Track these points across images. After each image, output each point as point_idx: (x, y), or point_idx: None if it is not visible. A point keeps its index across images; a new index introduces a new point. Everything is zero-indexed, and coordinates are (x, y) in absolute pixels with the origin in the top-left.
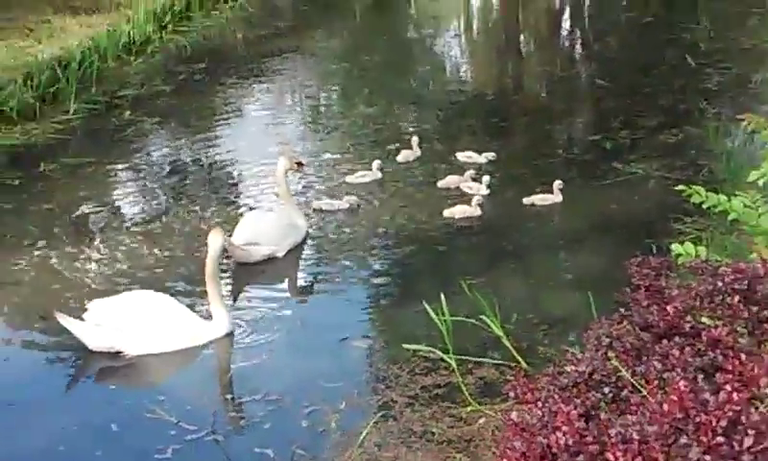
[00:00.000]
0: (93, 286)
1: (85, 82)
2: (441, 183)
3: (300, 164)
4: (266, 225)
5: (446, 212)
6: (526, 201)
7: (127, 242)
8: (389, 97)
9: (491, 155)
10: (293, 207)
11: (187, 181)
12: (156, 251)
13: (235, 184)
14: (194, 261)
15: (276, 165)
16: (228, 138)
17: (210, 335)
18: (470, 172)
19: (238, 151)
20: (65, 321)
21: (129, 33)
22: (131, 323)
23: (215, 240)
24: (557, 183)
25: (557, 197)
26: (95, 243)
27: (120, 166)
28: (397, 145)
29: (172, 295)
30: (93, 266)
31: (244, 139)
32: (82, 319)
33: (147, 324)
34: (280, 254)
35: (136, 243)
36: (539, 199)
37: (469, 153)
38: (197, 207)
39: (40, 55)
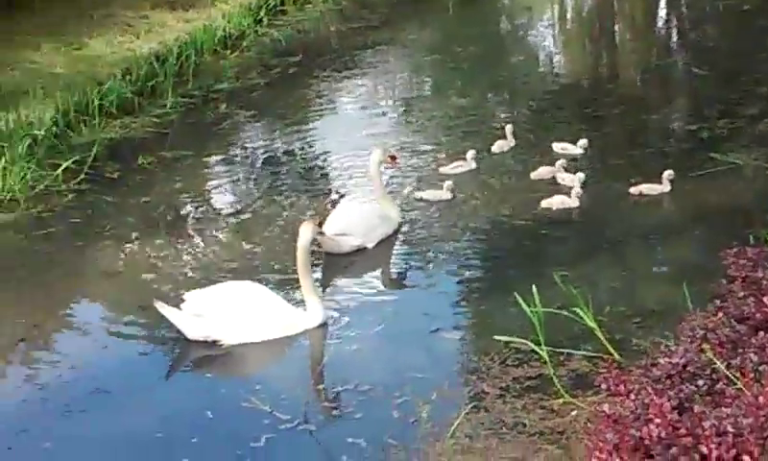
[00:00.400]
0: (189, 277)
1: (182, 76)
2: (533, 175)
3: (393, 158)
4: (357, 216)
5: (544, 203)
6: (633, 190)
7: (222, 234)
8: (482, 88)
9: (584, 142)
10: (386, 199)
11: (281, 174)
12: (250, 242)
13: (328, 176)
14: (287, 253)
15: (369, 157)
16: (321, 131)
17: (305, 325)
18: (562, 162)
19: (331, 143)
20: (164, 310)
21: (224, 27)
22: (227, 312)
23: (305, 232)
24: (667, 173)
25: (665, 187)
26: (191, 235)
27: (216, 159)
28: (491, 136)
29: (266, 286)
30: (189, 257)
31: (337, 132)
32: (179, 309)
33: (243, 313)
34: (370, 246)
35: (231, 234)
36: (646, 188)
37: (565, 144)
38: (291, 199)
39: (139, 50)
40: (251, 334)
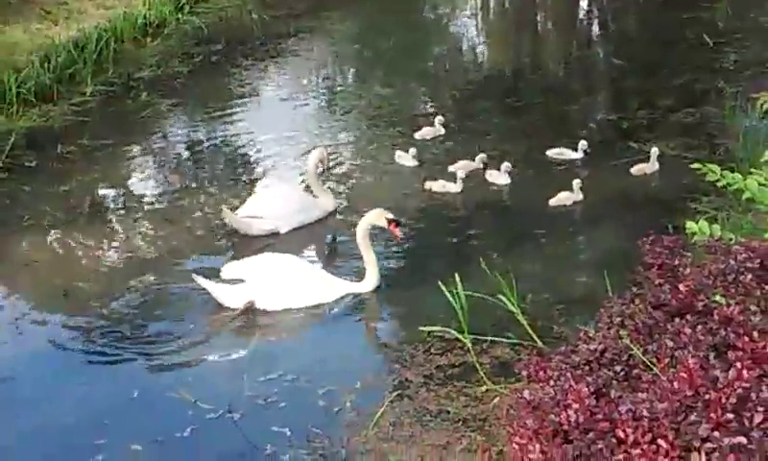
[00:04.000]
0: (108, 266)
1: (102, 63)
2: (452, 168)
3: (327, 168)
4: (271, 201)
5: (553, 201)
6: (553, 201)
7: (142, 223)
8: (405, 78)
9: (583, 144)
10: (319, 189)
11: (203, 163)
12: (170, 231)
13: (250, 165)
14: (208, 242)
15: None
16: (244, 120)
17: (356, 289)
18: (483, 156)
19: (254, 132)
20: (202, 281)
21: (145, 14)
22: (271, 280)
23: (371, 215)
24: (575, 182)
25: (577, 196)
26: (111, 224)
27: (137, 148)
28: (414, 125)
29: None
30: (109, 247)
31: (260, 121)
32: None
33: (288, 281)
34: (283, 231)
35: (152, 224)
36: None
37: (561, 149)
38: (213, 188)
39: (57, 37)
40: (301, 300)
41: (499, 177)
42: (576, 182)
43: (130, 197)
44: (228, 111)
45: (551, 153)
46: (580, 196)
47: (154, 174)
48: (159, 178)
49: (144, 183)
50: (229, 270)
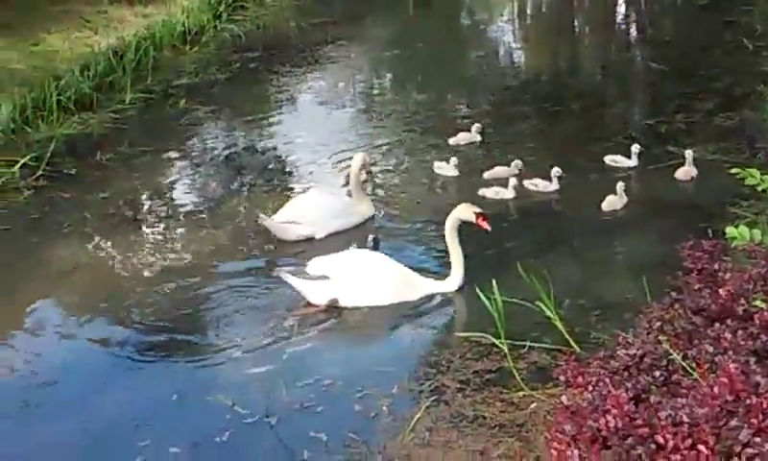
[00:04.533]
0: (148, 272)
1: (141, 71)
2: (487, 175)
3: (369, 173)
4: (307, 206)
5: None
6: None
7: (181, 230)
8: (441, 84)
9: (636, 148)
10: (359, 194)
11: (241, 169)
12: (209, 238)
13: (288, 172)
14: (246, 248)
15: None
16: (281, 126)
17: (440, 288)
18: (518, 162)
19: (291, 139)
20: (287, 277)
21: (183, 22)
22: (357, 277)
23: (460, 210)
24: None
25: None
26: (150, 231)
27: (175, 155)
28: (450, 130)
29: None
30: (148, 254)
31: (297, 127)
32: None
33: (374, 278)
34: (319, 236)
35: (190, 231)
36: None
37: (618, 156)
38: (250, 195)
39: (97, 45)
40: (384, 298)
41: (545, 183)
42: (620, 185)
43: (168, 203)
44: (266, 118)
45: (608, 159)
46: (625, 199)
47: (192, 180)
48: (198, 184)
49: (182, 190)
50: (315, 266)
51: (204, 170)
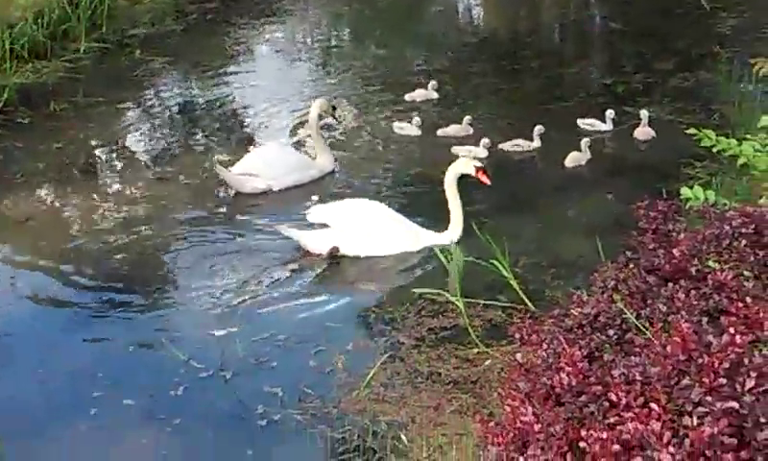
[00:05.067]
0: (103, 223)
1: (96, 20)
2: (440, 132)
3: (334, 109)
4: (264, 159)
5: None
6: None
7: (137, 180)
8: (401, 39)
9: (610, 113)
10: (320, 147)
11: (197, 121)
12: (163, 189)
13: (245, 124)
14: (200, 200)
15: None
16: (238, 78)
17: (442, 240)
18: (468, 118)
19: (248, 91)
20: (287, 231)
21: None
22: (359, 226)
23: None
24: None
25: (536, 143)
26: (104, 182)
27: (130, 105)
28: (408, 86)
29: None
30: (101, 204)
31: (254, 80)
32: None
33: (376, 227)
34: (275, 189)
35: (145, 182)
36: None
37: (591, 120)
38: (207, 147)
39: None
40: (384, 248)
41: (527, 142)
42: (585, 141)
43: (123, 154)
44: (223, 70)
45: (582, 122)
46: (588, 155)
47: (147, 132)
48: (153, 135)
49: (138, 141)
50: (315, 214)
51: (160, 121)
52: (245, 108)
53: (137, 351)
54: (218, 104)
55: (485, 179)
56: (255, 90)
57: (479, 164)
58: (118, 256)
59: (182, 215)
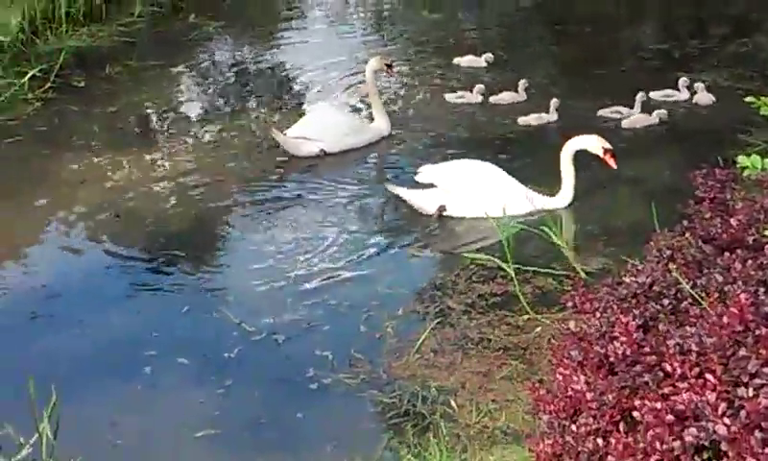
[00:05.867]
0: (158, 188)
1: None
2: (493, 99)
3: (389, 66)
4: (318, 123)
5: (521, 120)
6: (522, 121)
7: (190, 145)
8: (452, 4)
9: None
10: (377, 109)
11: (251, 86)
12: (218, 154)
13: (298, 89)
14: (256, 163)
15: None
16: (291, 43)
17: (550, 205)
18: (524, 82)
19: (301, 55)
20: (396, 189)
21: None
22: (459, 186)
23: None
24: (553, 102)
25: (552, 116)
26: (158, 145)
27: (185, 70)
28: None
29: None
30: (156, 168)
31: (307, 45)
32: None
33: (477, 187)
34: (330, 151)
35: (199, 146)
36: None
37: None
38: (260, 111)
39: None
40: (492, 210)
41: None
42: (554, 102)
43: (177, 119)
44: (276, 34)
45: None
46: (555, 117)
47: (201, 96)
48: (207, 100)
49: (192, 105)
50: (425, 173)
51: (214, 85)
52: (298, 71)
53: (191, 313)
54: (271, 68)
55: (612, 162)
56: (308, 54)
57: (608, 146)
58: (172, 219)
59: (236, 179)
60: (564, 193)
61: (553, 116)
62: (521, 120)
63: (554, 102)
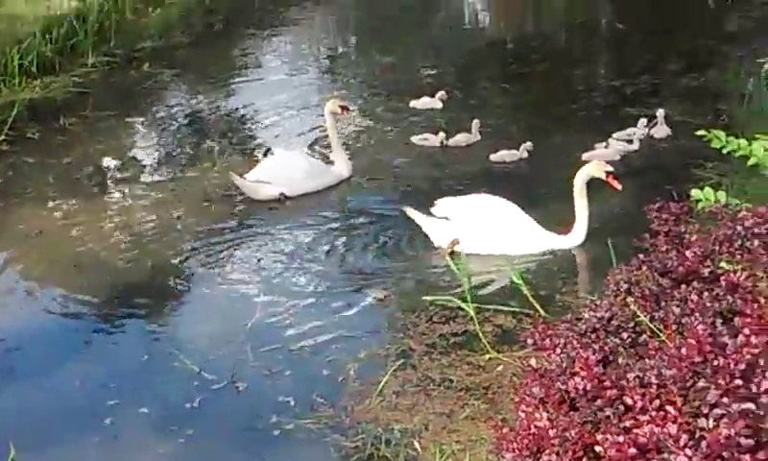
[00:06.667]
0: (114, 237)
1: (104, 35)
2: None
3: (344, 108)
4: (277, 166)
5: (494, 157)
6: (493, 157)
7: (146, 194)
8: (406, 46)
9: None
10: (337, 152)
11: (207, 132)
12: (174, 203)
13: (254, 134)
14: (214, 210)
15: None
16: (246, 89)
17: (563, 245)
18: (477, 122)
19: (257, 102)
20: (412, 214)
21: None
22: (474, 222)
23: (589, 169)
24: (526, 145)
25: (522, 153)
26: (115, 196)
27: (140, 119)
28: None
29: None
30: (112, 218)
31: (262, 90)
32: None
33: (500, 226)
34: (290, 195)
35: (156, 195)
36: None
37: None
38: (216, 158)
39: (59, 8)
40: (505, 247)
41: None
42: (527, 146)
43: (133, 168)
44: (231, 81)
45: (494, 157)
46: (525, 155)
47: (157, 144)
48: (163, 148)
49: (147, 154)
50: (441, 207)
51: (170, 134)
52: (254, 117)
53: (151, 363)
54: (227, 114)
55: (616, 184)
56: (263, 100)
57: (610, 169)
58: (130, 270)
59: (194, 226)
60: (578, 231)
61: (524, 154)
62: (494, 157)
63: (527, 145)
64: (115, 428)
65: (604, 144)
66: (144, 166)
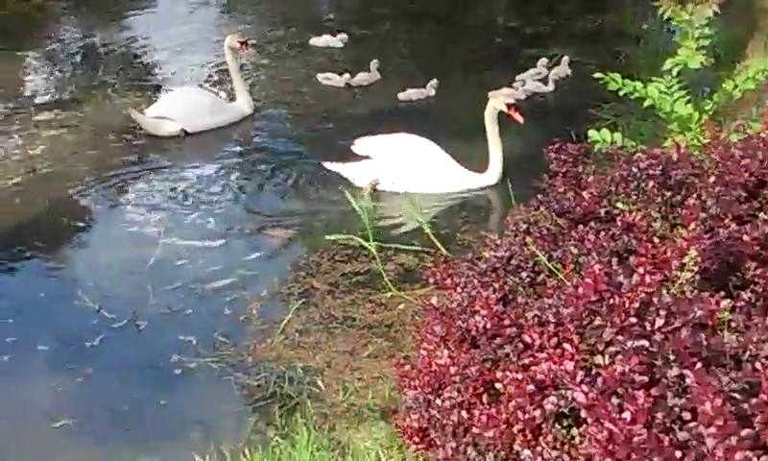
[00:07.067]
0: (11, 174)
1: None
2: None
3: (244, 44)
4: (178, 102)
5: (402, 95)
6: (402, 96)
7: (42, 130)
8: None
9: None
10: (239, 88)
11: (103, 67)
12: (74, 138)
13: (151, 71)
14: (113, 146)
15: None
16: (141, 23)
17: (480, 183)
18: (375, 62)
19: (153, 36)
20: (332, 166)
21: None
22: (393, 160)
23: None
24: (432, 82)
25: (429, 92)
26: (10, 132)
27: (31, 53)
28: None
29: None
30: (9, 156)
31: (158, 24)
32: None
33: (420, 164)
34: (190, 131)
35: (53, 131)
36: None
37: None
38: (115, 93)
39: None
40: (424, 186)
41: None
42: (433, 82)
43: (28, 104)
44: (127, 15)
45: (402, 95)
46: (432, 93)
47: (51, 79)
48: (57, 83)
49: (41, 89)
50: (360, 146)
51: (64, 68)
52: (152, 52)
53: (49, 301)
54: (124, 49)
55: (517, 116)
56: (161, 35)
57: (512, 101)
58: (26, 207)
59: (92, 163)
60: (493, 169)
61: (431, 92)
62: (402, 95)
63: (433, 82)
64: (13, 365)
65: (520, 83)
66: (39, 103)
